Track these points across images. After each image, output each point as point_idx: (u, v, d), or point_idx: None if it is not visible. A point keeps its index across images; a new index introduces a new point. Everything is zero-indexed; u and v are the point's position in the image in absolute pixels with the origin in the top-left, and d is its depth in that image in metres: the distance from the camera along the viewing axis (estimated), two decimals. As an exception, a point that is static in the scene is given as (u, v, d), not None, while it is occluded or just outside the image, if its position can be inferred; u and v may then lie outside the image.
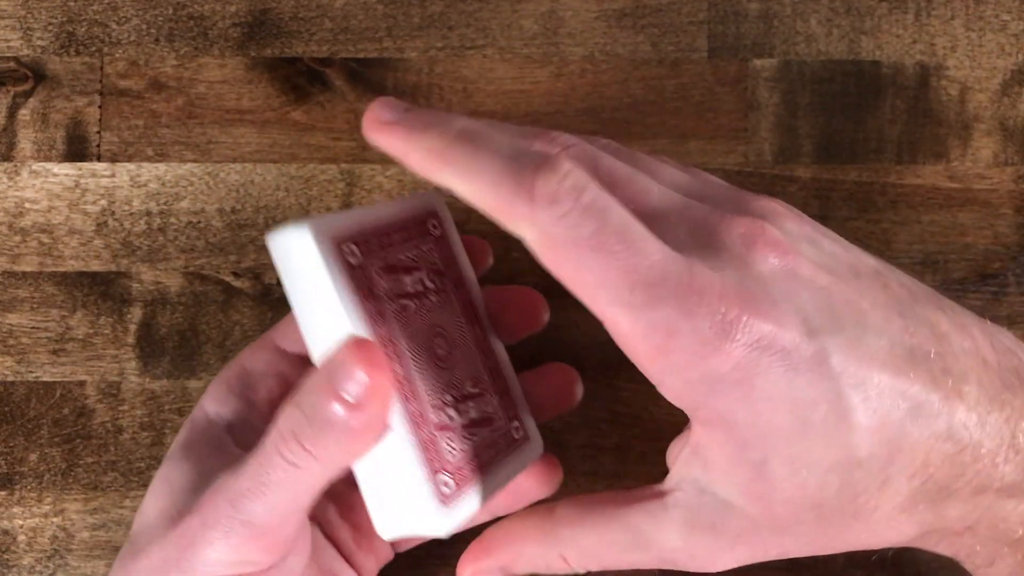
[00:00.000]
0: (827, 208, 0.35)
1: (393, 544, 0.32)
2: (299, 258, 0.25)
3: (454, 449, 0.26)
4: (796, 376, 0.22)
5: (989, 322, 0.26)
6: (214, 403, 0.30)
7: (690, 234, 0.24)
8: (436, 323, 0.27)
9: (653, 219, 0.24)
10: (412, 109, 0.24)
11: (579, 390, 0.31)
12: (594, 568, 0.26)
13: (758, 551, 0.24)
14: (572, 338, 0.34)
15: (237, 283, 0.34)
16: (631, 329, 0.22)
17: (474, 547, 0.29)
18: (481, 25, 0.35)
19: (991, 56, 0.35)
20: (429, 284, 0.28)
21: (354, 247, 0.26)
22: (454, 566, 0.33)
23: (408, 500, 0.25)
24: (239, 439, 0.28)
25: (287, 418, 0.24)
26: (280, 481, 0.24)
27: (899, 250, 0.34)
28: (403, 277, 0.27)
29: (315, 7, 0.35)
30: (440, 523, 0.25)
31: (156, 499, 0.28)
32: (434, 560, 0.33)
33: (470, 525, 0.28)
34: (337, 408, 0.23)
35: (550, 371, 0.31)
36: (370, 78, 0.35)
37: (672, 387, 0.23)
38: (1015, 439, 0.23)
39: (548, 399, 0.31)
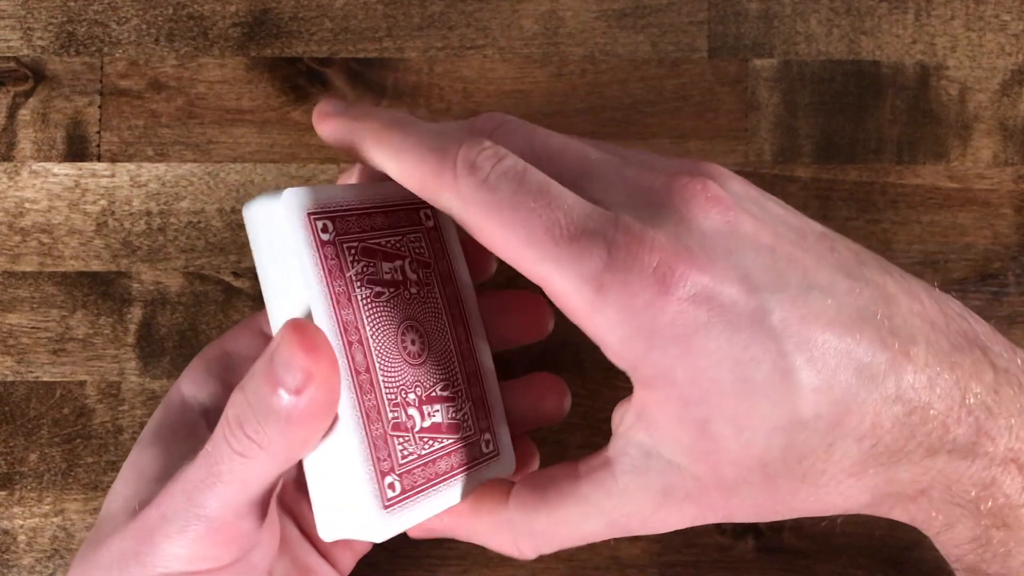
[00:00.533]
0: (827, 208, 0.35)
1: None
2: (268, 227, 0.24)
3: (408, 452, 0.25)
4: (736, 333, 0.22)
5: (938, 289, 0.25)
6: (191, 385, 0.29)
7: (628, 194, 0.24)
8: (411, 316, 0.26)
9: (590, 180, 0.24)
10: (353, 104, 0.26)
11: (567, 403, 0.30)
12: (547, 551, 0.26)
13: (707, 511, 0.24)
14: (572, 338, 0.34)
15: (237, 283, 0.34)
16: (562, 286, 0.22)
17: None
18: (481, 25, 0.35)
19: (991, 56, 0.35)
20: (411, 274, 0.27)
21: (328, 223, 0.25)
22: (454, 565, 0.33)
23: (348, 497, 0.24)
24: (214, 424, 0.28)
25: (234, 405, 0.24)
26: (230, 471, 0.24)
27: (899, 250, 0.34)
28: (381, 263, 0.26)
29: (315, 7, 0.35)
30: (377, 527, 0.24)
31: (123, 486, 0.27)
32: (433, 559, 0.33)
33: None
34: (277, 395, 0.23)
35: (537, 382, 0.30)
36: (370, 78, 0.35)
37: (611, 345, 0.23)
38: (965, 400, 0.23)
39: (533, 411, 0.30)
